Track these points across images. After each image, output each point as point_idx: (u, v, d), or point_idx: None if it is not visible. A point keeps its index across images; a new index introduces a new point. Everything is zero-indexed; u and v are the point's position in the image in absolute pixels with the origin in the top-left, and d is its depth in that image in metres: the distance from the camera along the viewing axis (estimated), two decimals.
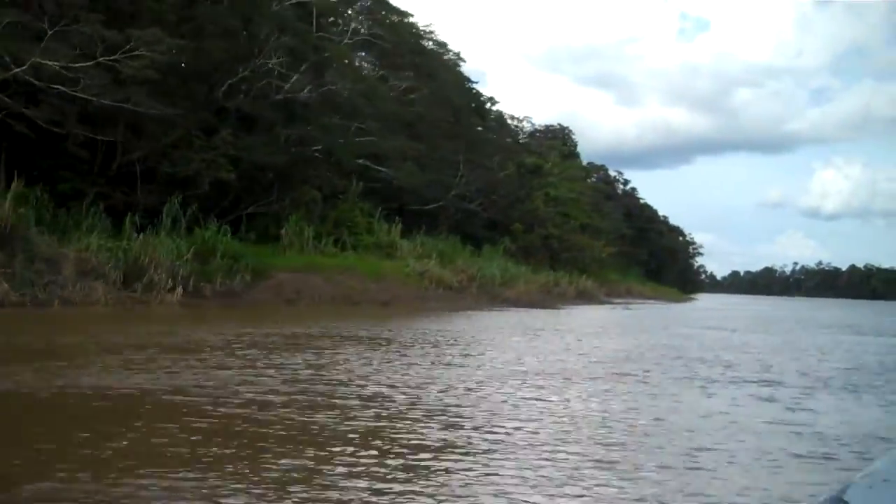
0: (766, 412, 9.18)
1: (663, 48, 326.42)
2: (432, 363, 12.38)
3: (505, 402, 9.24)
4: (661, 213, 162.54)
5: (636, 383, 11.18)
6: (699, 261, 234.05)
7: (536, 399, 9.48)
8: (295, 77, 31.77)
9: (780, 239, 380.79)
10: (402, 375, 10.79)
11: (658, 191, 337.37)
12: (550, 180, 62.31)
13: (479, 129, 65.22)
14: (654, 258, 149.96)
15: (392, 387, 9.71)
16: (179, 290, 23.16)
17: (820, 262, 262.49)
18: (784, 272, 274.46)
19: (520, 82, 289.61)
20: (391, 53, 43.38)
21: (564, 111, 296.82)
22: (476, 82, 78.88)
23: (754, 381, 11.79)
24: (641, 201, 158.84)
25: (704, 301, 74.88)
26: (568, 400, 9.57)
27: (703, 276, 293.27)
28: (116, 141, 28.89)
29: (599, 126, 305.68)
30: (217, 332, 15.87)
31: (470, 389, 9.92)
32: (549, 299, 41.25)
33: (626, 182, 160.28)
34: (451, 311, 28.41)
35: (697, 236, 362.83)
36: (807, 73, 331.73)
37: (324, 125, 34.03)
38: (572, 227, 53.20)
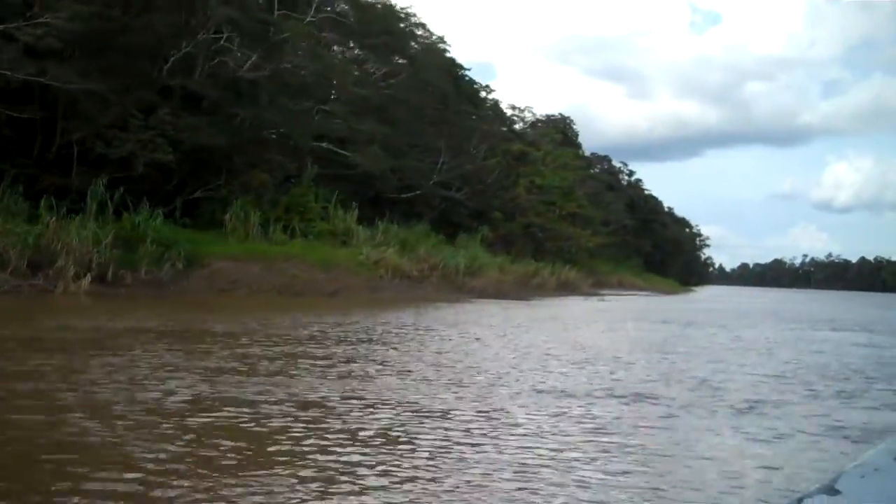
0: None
1: (674, 41, 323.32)
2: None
3: None
4: (667, 204, 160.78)
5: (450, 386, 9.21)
6: (707, 253, 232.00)
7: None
8: (250, 57, 30.01)
9: (791, 231, 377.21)
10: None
11: (668, 183, 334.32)
12: (540, 168, 60.33)
13: (473, 117, 63.45)
14: (658, 250, 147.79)
15: None
16: (87, 278, 21.33)
17: (830, 255, 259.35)
18: (794, 264, 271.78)
19: (529, 74, 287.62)
20: (362, 34, 41.41)
21: (574, 103, 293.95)
22: (468, 69, 76.61)
23: (574, 396, 9.22)
24: (646, 192, 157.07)
25: (701, 293, 72.73)
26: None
27: (712, 268, 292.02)
28: (57, 122, 27.32)
29: (610, 118, 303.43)
30: (67, 325, 14.08)
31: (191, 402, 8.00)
32: (524, 291, 39.29)
33: (631, 173, 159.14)
34: (399, 302, 26.49)
35: (708, 229, 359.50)
36: (819, 66, 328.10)
37: (279, 106, 32.22)
38: (557, 215, 51.18)
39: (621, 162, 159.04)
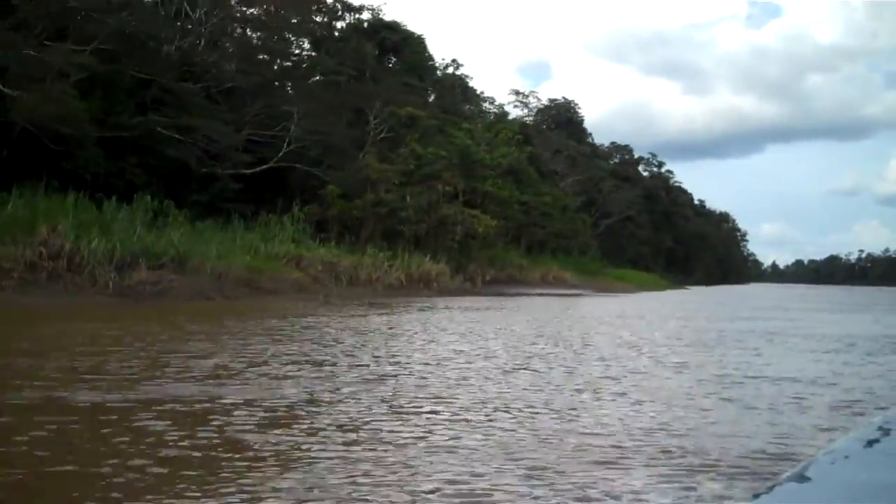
0: None
1: (731, 33, 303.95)
2: None
3: None
4: (720, 203, 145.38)
5: None
6: (751, 249, 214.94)
7: None
8: None
9: (853, 227, 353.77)
10: None
11: (728, 181, 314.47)
12: (456, 138, 47.66)
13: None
14: (681, 245, 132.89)
15: None
16: None
17: (887, 250, 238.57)
18: (849, 260, 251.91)
19: (584, 72, 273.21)
20: None
21: (630, 101, 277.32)
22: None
23: None
24: (675, 184, 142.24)
25: (677, 294, 58.24)
26: None
27: (765, 265, 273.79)
28: None
29: (667, 116, 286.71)
30: None
31: None
32: (352, 288, 27.03)
33: (659, 164, 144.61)
34: None
35: (769, 226, 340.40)
36: (882, 56, 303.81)
37: None
38: (437, 193, 38.34)
39: (649, 153, 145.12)
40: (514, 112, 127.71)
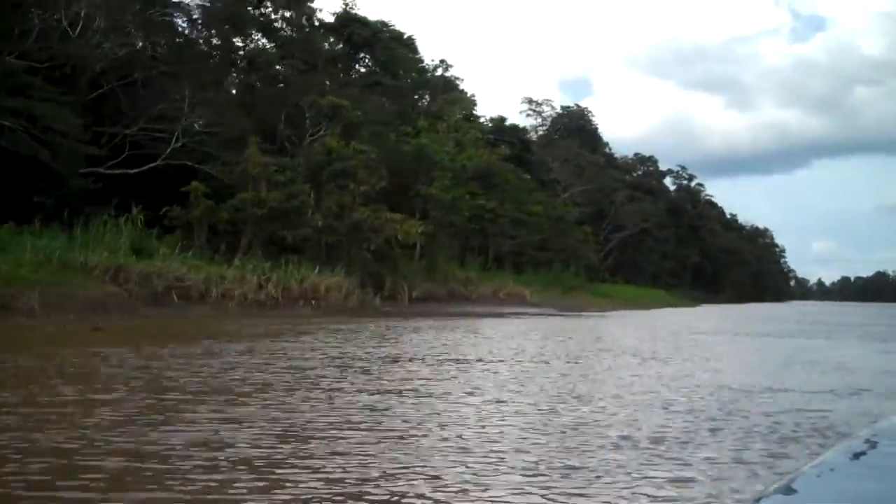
0: None
1: (775, 47, 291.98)
2: None
3: None
4: (764, 220, 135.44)
5: None
6: (802, 266, 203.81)
7: None
8: None
9: None
10: None
11: (773, 197, 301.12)
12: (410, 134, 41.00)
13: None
14: (710, 260, 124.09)
15: None
16: None
17: None
18: None
19: (624, 89, 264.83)
20: None
21: (672, 116, 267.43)
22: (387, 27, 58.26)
23: None
24: (704, 198, 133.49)
25: (680, 314, 50.34)
26: None
27: (811, 282, 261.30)
28: None
29: (710, 131, 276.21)
30: None
31: None
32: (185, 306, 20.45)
33: (690, 177, 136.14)
34: None
35: (816, 243, 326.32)
36: None
37: None
38: (351, 194, 31.53)
39: (679, 166, 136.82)
40: (527, 121, 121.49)
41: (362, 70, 57.51)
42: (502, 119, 77.80)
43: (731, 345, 20.23)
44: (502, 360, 13.98)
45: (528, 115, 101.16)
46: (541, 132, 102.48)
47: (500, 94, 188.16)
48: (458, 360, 13.81)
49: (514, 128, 77.68)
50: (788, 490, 1.42)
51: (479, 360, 13.85)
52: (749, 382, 11.32)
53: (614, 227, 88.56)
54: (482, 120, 59.94)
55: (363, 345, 16.13)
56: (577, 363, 14.03)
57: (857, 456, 1.66)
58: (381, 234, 31.85)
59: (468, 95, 61.18)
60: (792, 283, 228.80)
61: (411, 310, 31.30)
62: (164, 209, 27.05)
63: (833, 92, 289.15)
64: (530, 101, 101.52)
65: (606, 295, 52.35)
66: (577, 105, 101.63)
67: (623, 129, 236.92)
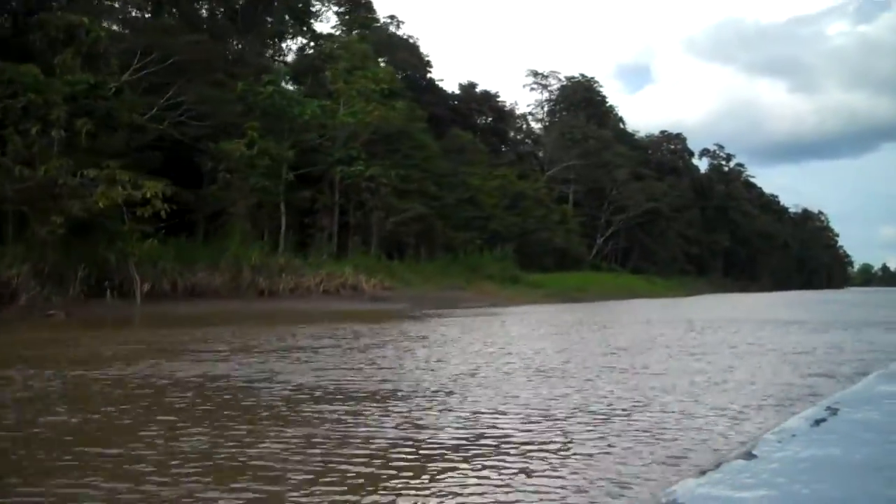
0: None
1: (840, 27, 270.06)
2: None
3: None
4: (826, 206, 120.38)
5: None
6: (870, 253, 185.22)
7: None
8: None
9: None
10: None
11: (840, 182, 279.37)
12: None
13: None
14: (743, 245, 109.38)
15: None
16: None
17: None
18: None
19: (685, 75, 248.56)
20: None
21: (734, 101, 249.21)
22: None
23: None
24: (740, 178, 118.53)
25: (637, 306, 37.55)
26: None
27: (875, 268, 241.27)
28: None
29: (773, 116, 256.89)
30: None
31: None
32: None
33: (728, 157, 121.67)
34: None
35: (883, 228, 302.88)
36: None
37: None
38: (33, 138, 20.74)
39: (716, 145, 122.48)
40: (532, 96, 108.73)
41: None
42: (472, 85, 66.00)
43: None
44: None
45: (531, 90, 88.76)
46: (547, 108, 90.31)
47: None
48: None
49: (486, 94, 65.52)
50: (749, 455, 1.54)
51: None
52: None
53: (617, 207, 75.72)
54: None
55: None
56: None
57: (817, 423, 1.80)
58: (85, 200, 20.85)
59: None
60: (854, 268, 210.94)
61: (122, 313, 20.35)
62: None
63: None
64: (535, 74, 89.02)
65: (541, 285, 40.10)
66: (582, 75, 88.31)
67: (685, 116, 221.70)
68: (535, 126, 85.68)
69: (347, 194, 34.60)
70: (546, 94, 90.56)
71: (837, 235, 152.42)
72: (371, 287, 28.12)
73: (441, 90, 60.43)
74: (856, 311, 31.32)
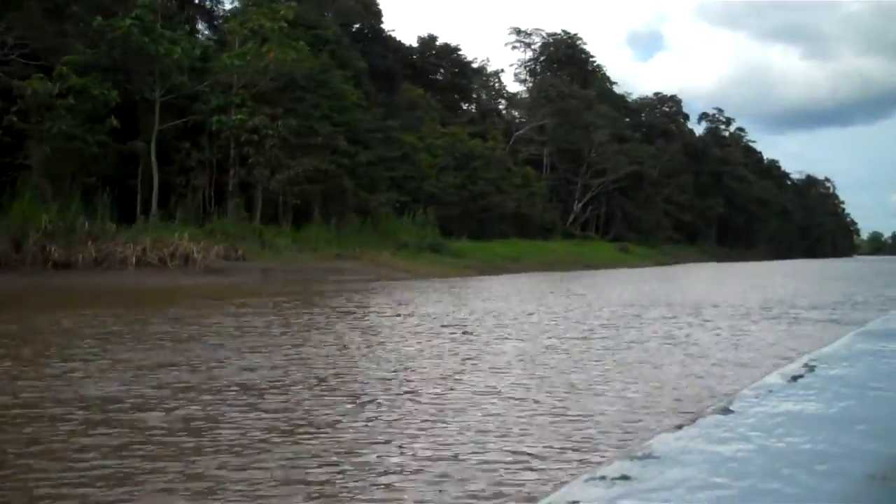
0: None
1: None
2: None
3: None
4: (834, 173, 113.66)
5: None
6: (882, 221, 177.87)
7: None
8: None
9: None
10: None
11: (854, 149, 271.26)
12: None
13: None
14: (739, 211, 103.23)
15: None
16: None
17: None
18: None
19: (697, 41, 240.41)
20: None
21: (747, 67, 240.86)
22: None
23: None
24: (737, 142, 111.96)
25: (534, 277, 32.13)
26: None
27: (885, 236, 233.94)
28: None
29: (786, 82, 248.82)
30: None
31: None
32: None
33: (727, 121, 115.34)
34: None
35: (894, 196, 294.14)
36: None
37: None
38: None
39: (715, 108, 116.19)
40: (515, 54, 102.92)
41: None
42: (433, 38, 60.24)
43: None
44: None
45: (513, 48, 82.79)
46: (529, 67, 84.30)
47: None
48: None
49: (446, 48, 59.73)
50: (726, 411, 1.39)
51: None
52: None
53: (597, 171, 70.00)
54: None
55: None
56: None
57: (794, 379, 1.64)
58: None
59: None
60: (861, 237, 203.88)
61: None
62: None
63: None
64: (518, 32, 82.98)
65: (464, 255, 34.77)
66: (564, 31, 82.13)
67: (697, 82, 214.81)
68: (519, 88, 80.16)
69: (228, 149, 29.40)
70: (529, 54, 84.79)
71: (843, 203, 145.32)
72: (213, 257, 23.03)
73: (394, 41, 54.78)
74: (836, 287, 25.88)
